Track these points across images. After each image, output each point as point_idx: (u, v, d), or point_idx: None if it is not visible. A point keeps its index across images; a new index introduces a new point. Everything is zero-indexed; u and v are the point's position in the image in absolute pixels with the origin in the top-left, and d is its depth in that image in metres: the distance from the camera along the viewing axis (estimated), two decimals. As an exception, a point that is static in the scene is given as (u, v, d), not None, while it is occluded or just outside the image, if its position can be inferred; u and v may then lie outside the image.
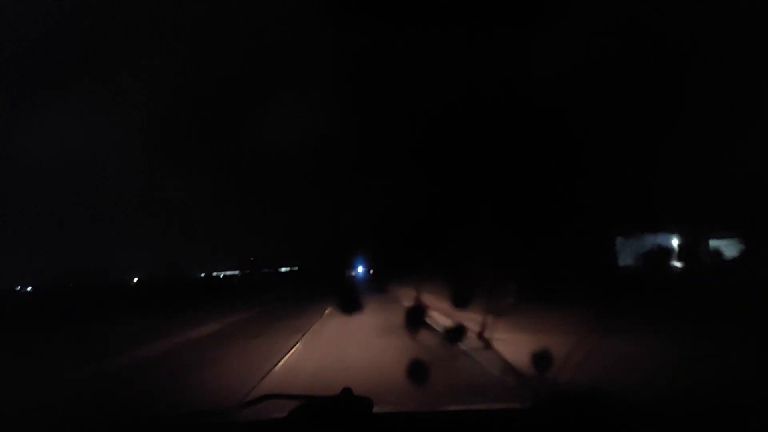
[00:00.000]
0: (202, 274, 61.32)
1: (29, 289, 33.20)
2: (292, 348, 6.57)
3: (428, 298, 9.71)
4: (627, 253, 9.61)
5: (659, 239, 9.40)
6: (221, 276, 62.16)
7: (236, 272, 64.10)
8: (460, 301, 6.95)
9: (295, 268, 59.05)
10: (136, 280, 41.80)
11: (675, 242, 9.28)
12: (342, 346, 6.57)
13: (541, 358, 3.72)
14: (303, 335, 7.80)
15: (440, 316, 8.01)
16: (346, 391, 1.37)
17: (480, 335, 5.26)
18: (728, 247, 9.67)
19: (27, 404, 4.26)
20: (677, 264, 9.14)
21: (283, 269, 61.84)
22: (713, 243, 9.99)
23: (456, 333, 5.27)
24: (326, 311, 11.31)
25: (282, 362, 5.59)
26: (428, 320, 7.21)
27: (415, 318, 6.27)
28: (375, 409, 1.33)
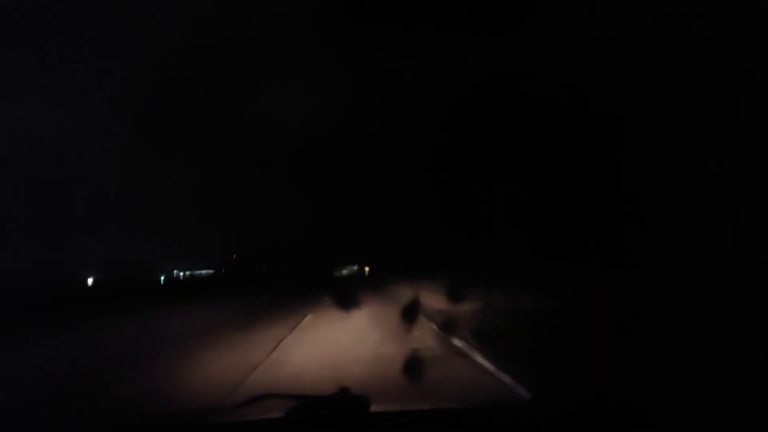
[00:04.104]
0: (181, 274, 58.97)
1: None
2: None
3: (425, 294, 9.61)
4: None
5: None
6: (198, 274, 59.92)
7: (211, 271, 62.00)
8: (456, 297, 7.03)
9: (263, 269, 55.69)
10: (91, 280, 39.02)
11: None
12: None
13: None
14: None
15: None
16: (344, 390, 1.37)
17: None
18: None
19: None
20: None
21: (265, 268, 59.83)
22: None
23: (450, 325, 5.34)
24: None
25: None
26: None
27: (411, 313, 6.31)
28: (372, 408, 1.32)
